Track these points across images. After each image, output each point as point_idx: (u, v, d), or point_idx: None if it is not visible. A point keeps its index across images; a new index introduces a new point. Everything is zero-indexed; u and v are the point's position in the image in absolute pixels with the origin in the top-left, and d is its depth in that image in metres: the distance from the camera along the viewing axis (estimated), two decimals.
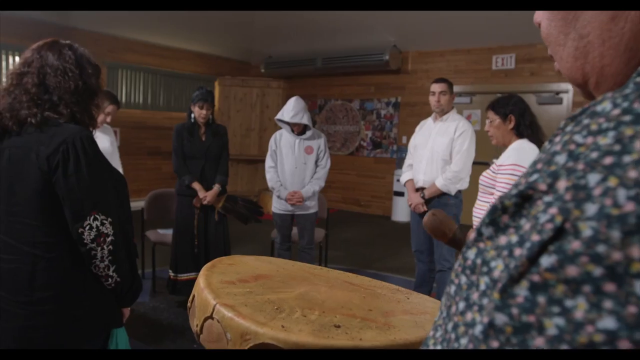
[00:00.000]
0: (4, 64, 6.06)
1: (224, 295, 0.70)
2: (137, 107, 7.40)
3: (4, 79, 6.01)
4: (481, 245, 0.34)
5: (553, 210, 0.29)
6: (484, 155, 5.21)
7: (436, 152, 3.42)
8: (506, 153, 2.50)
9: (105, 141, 3.43)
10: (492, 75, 6.83)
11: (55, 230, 1.44)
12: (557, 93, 6.43)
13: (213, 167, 3.73)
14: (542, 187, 0.31)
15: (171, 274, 3.73)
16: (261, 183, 8.69)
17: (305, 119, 3.80)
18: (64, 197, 1.40)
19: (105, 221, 1.43)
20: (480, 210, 2.57)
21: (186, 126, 3.70)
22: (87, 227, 1.40)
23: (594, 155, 0.29)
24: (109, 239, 1.43)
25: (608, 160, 0.28)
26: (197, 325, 0.68)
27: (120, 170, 3.31)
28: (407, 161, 3.69)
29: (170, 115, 7.84)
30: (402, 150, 7.59)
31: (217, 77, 8.23)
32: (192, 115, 3.68)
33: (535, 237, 0.29)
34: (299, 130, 3.88)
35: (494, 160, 2.59)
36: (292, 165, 3.89)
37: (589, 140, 0.30)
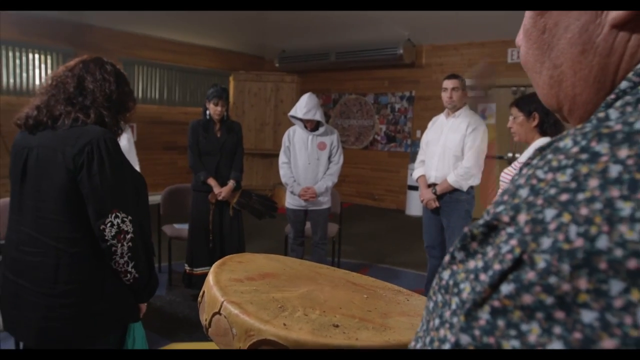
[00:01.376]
0: (23, 61, 6.19)
1: (232, 293, 0.74)
2: (153, 102, 7.50)
3: (37, 79, 6.18)
4: (454, 267, 0.36)
5: (513, 241, 0.31)
6: (499, 149, 5.20)
7: (448, 148, 3.43)
8: (529, 151, 2.51)
9: (123, 139, 3.49)
10: (507, 69, 6.77)
11: (78, 226, 1.51)
12: None
13: (228, 163, 3.79)
14: (505, 218, 0.33)
15: (187, 268, 3.81)
16: (276, 177, 8.75)
17: (318, 116, 3.83)
18: (87, 195, 1.48)
19: (125, 219, 1.50)
20: None
21: (201, 123, 3.76)
22: (109, 224, 1.48)
23: (552, 191, 0.31)
24: (128, 236, 1.50)
25: (564, 197, 0.31)
26: (206, 320, 0.72)
27: (137, 166, 3.38)
28: (419, 157, 3.70)
29: (185, 110, 7.93)
30: (416, 145, 7.57)
31: (232, 72, 8.29)
32: (207, 112, 3.73)
33: (497, 266, 0.32)
34: (312, 126, 3.92)
35: (517, 155, 2.59)
36: (306, 161, 3.93)
37: (549, 176, 0.32)
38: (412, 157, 7.57)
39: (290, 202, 4.03)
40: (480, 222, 0.35)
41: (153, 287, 1.65)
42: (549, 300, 0.29)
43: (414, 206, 7.46)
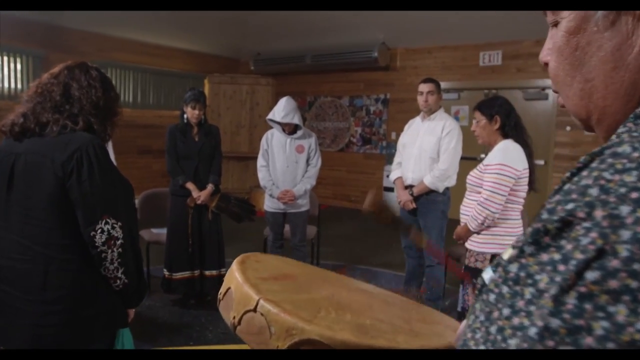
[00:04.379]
0: None
1: (265, 291, 0.72)
2: (127, 105, 7.40)
3: (6, 82, 6.01)
4: (523, 260, 0.40)
5: (593, 234, 0.36)
6: (472, 151, 5.31)
7: (424, 150, 3.50)
8: (492, 153, 2.59)
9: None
10: (479, 72, 6.92)
11: (68, 233, 1.51)
12: (543, 89, 6.55)
13: (206, 167, 3.79)
14: (581, 214, 0.38)
15: (166, 272, 3.78)
16: (252, 180, 8.72)
17: (296, 119, 3.86)
18: (77, 202, 1.48)
19: (115, 225, 1.50)
20: (467, 208, 2.65)
21: (179, 127, 3.74)
22: (99, 231, 1.48)
23: (622, 190, 0.37)
24: (118, 242, 1.51)
25: (634, 195, 0.36)
26: (234, 318, 0.70)
27: None
28: (396, 159, 3.77)
29: (160, 113, 7.85)
30: (392, 146, 7.67)
31: (207, 74, 8.24)
32: (185, 116, 3.72)
33: (579, 256, 0.36)
34: (290, 129, 3.94)
35: (482, 155, 2.67)
36: (284, 164, 3.95)
37: (616, 177, 0.38)
38: (388, 158, 7.66)
39: (269, 205, 4.04)
40: (554, 217, 0.40)
41: (142, 292, 1.66)
42: (634, 284, 0.33)
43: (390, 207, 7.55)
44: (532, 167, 2.60)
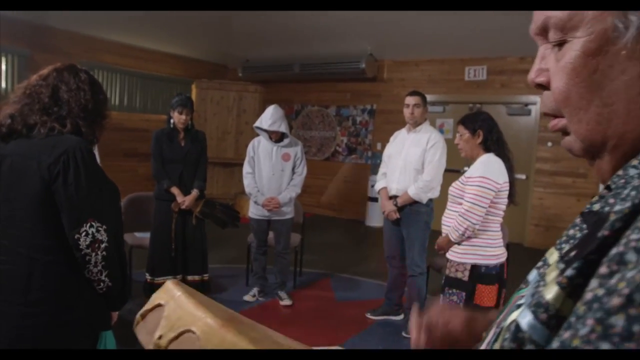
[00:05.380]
0: None
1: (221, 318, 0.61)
2: (113, 108, 7.33)
3: None
4: (633, 311, 0.35)
5: None
6: (455, 164, 5.39)
7: (409, 162, 3.55)
8: (474, 166, 2.65)
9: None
10: (464, 86, 7.04)
11: (52, 235, 1.51)
12: (526, 105, 6.68)
13: (191, 172, 3.79)
14: None
15: (148, 277, 3.77)
16: (237, 186, 8.71)
17: (283, 127, 3.90)
18: (62, 205, 1.49)
19: (100, 228, 1.51)
20: (449, 219, 2.70)
21: (165, 131, 3.75)
22: (84, 234, 1.48)
23: None
24: (103, 245, 1.51)
25: None
26: (160, 338, 0.59)
27: None
28: (381, 170, 3.82)
29: (146, 117, 7.81)
30: (377, 157, 7.73)
31: (194, 79, 8.24)
32: (172, 121, 3.73)
33: None
34: (276, 137, 3.97)
35: (466, 168, 2.72)
36: (270, 172, 3.97)
37: None
38: (373, 168, 7.72)
39: (254, 212, 4.06)
40: None
41: (126, 295, 1.67)
42: None
43: (374, 217, 7.60)
44: (512, 181, 2.66)
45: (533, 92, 6.56)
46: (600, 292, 0.37)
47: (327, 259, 5.56)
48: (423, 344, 0.77)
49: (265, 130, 3.94)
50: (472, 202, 2.54)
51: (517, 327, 0.46)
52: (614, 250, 0.38)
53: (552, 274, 0.47)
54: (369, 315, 3.87)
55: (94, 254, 1.52)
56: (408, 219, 3.56)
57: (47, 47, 6.37)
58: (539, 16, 0.55)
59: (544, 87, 0.57)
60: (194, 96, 7.94)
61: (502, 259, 2.64)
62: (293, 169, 4.04)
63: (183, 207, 3.69)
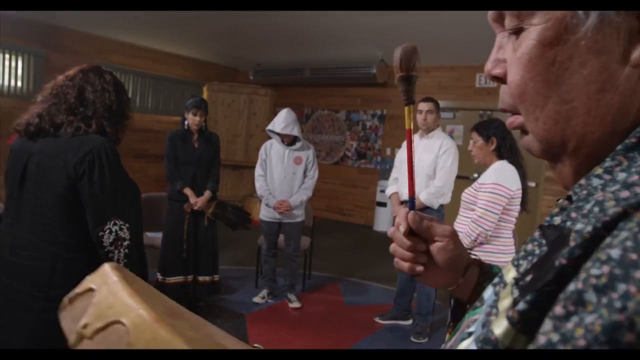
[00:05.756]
0: None
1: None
2: None
3: (6, 79, 6.02)
4: None
5: None
6: (465, 170, 5.40)
7: (421, 167, 3.57)
8: (487, 173, 2.66)
9: None
10: (475, 93, 7.05)
11: (76, 232, 1.55)
12: None
13: (204, 173, 3.83)
14: None
15: (159, 277, 3.80)
16: (246, 189, 8.76)
17: (295, 131, 3.93)
18: (87, 203, 1.53)
19: (123, 226, 1.55)
20: (461, 225, 2.72)
21: (179, 133, 3.79)
22: (107, 231, 1.52)
23: None
24: (125, 243, 1.55)
25: None
26: (85, 326, 0.51)
27: None
28: (392, 175, 3.84)
29: (158, 118, 7.88)
30: (386, 162, 7.75)
31: (206, 82, 8.30)
32: (186, 122, 3.77)
33: None
34: (289, 141, 4.01)
35: (475, 175, 2.74)
36: (281, 175, 4.00)
37: None
38: (382, 173, 7.74)
39: (265, 214, 4.09)
40: None
41: None
42: None
43: (382, 222, 7.61)
44: (525, 188, 2.67)
45: None
46: (555, 337, 0.33)
47: (336, 263, 5.58)
48: (404, 225, 0.71)
49: (278, 134, 3.97)
50: (485, 208, 2.56)
51: None
52: (571, 287, 0.34)
53: (505, 301, 0.43)
54: (377, 320, 3.88)
55: (116, 252, 1.55)
56: None
57: (62, 48, 6.45)
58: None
59: (501, 79, 0.51)
60: (205, 98, 8.00)
61: None
62: (304, 172, 4.07)
63: (196, 208, 3.72)
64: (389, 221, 7.61)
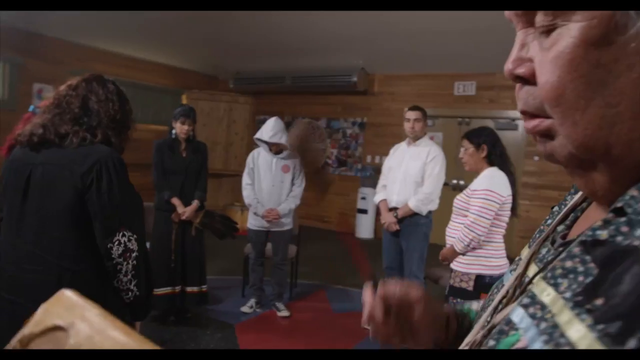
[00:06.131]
0: None
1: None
2: None
3: None
4: None
5: None
6: (447, 177, 5.50)
7: (409, 174, 3.62)
8: (479, 179, 2.72)
9: None
10: (454, 101, 7.18)
11: (82, 244, 1.53)
12: (514, 120, 6.84)
13: (192, 183, 3.80)
14: None
15: None
16: (226, 198, 8.70)
17: (283, 140, 3.94)
18: (95, 214, 1.50)
19: (131, 237, 1.53)
20: (453, 230, 2.77)
21: (167, 142, 3.75)
22: (116, 243, 1.51)
23: None
24: (134, 255, 1.53)
25: None
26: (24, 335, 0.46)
27: None
28: (380, 182, 3.88)
29: (136, 126, 7.75)
30: (367, 169, 7.82)
31: (185, 90, 8.24)
32: (173, 131, 3.74)
33: None
34: (276, 149, 4.01)
35: (455, 181, 2.79)
36: (270, 183, 4.00)
37: None
38: (363, 181, 7.79)
39: (253, 223, 4.07)
40: None
41: (150, 306, 1.68)
42: None
43: (364, 229, 7.66)
44: (514, 194, 2.74)
45: None
46: None
47: (320, 271, 5.59)
48: (379, 312, 0.70)
49: (266, 142, 3.98)
50: (477, 214, 2.61)
51: None
52: None
53: (569, 327, 0.39)
54: (366, 326, 3.90)
55: (125, 263, 1.54)
56: (408, 230, 3.62)
57: (40, 55, 6.33)
58: None
59: (523, 80, 0.49)
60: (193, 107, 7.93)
61: (505, 269, 2.70)
62: (292, 180, 4.08)
63: (183, 217, 3.69)
64: (371, 228, 7.67)
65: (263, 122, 9.02)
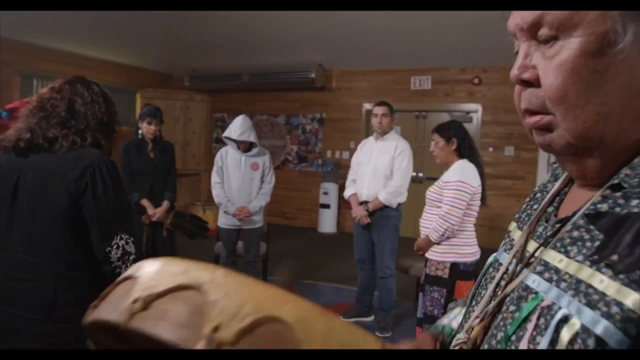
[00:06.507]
0: None
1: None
2: None
3: None
4: None
5: None
6: None
7: (378, 169, 3.71)
8: (450, 171, 2.84)
9: None
10: (411, 95, 7.36)
11: (77, 250, 1.51)
12: (468, 112, 7.10)
13: (161, 183, 3.75)
14: None
15: None
16: (185, 197, 8.56)
17: (252, 137, 3.94)
18: (92, 218, 1.48)
19: (129, 240, 1.53)
20: (427, 221, 2.87)
21: (134, 143, 3.69)
22: (115, 247, 1.49)
23: None
24: (131, 257, 1.53)
25: None
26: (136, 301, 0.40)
27: None
28: (350, 176, 3.96)
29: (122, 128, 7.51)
30: (328, 164, 7.90)
31: (139, 89, 8.04)
32: (140, 132, 3.68)
33: None
34: (244, 147, 4.01)
35: (420, 174, 2.89)
36: (239, 181, 4.00)
37: None
38: (324, 176, 7.87)
39: (224, 221, 4.06)
40: None
41: None
42: None
43: (326, 224, 7.75)
44: (484, 184, 2.88)
45: (474, 100, 7.00)
46: None
47: (288, 267, 5.62)
48: None
49: (234, 140, 3.97)
50: (450, 204, 2.73)
51: (599, 340, 0.45)
52: None
53: (593, 280, 0.48)
54: (342, 319, 3.98)
55: (123, 267, 1.53)
56: (379, 223, 3.72)
57: None
58: (530, 12, 0.55)
59: (527, 83, 0.57)
60: (138, 106, 7.74)
61: (477, 256, 2.85)
62: (262, 177, 4.09)
63: (154, 219, 3.63)
64: (334, 222, 7.76)
65: (221, 119, 9.02)
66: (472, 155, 2.86)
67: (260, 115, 8.59)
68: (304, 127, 8.28)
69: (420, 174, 6.83)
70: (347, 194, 3.94)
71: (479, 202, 2.86)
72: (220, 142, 8.93)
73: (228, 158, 4.03)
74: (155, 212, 3.63)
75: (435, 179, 3.06)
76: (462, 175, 2.76)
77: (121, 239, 1.52)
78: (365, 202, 3.75)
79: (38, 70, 6.79)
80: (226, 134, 3.97)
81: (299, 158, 8.33)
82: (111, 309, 0.42)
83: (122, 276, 0.45)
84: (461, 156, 2.85)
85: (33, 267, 1.49)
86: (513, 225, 0.73)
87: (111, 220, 1.51)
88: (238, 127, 3.92)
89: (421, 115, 7.36)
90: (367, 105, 7.50)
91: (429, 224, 2.84)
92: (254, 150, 4.04)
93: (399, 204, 3.72)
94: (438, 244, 2.81)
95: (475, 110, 6.98)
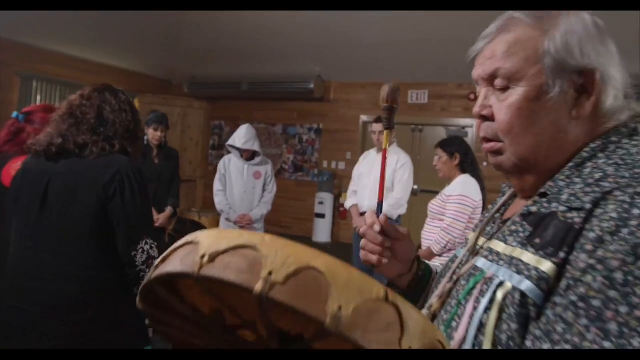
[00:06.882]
0: None
1: None
2: None
3: None
4: (626, 268, 0.53)
5: None
6: None
7: (380, 181, 3.77)
8: (453, 186, 2.92)
9: None
10: (407, 109, 7.46)
11: (103, 253, 1.55)
12: (463, 127, 7.21)
13: (165, 189, 3.79)
14: None
15: None
16: (181, 203, 8.55)
17: (256, 146, 4.01)
18: (119, 223, 1.53)
19: (153, 245, 1.58)
20: (429, 233, 2.95)
21: None
22: (140, 251, 1.54)
23: None
24: (155, 262, 1.57)
25: None
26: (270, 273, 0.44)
27: None
28: (351, 188, 4.03)
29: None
30: (324, 174, 7.96)
31: (138, 94, 8.06)
32: (145, 138, 3.72)
33: None
34: (248, 156, 4.07)
35: (415, 187, 2.97)
36: (242, 190, 4.05)
37: None
38: (319, 186, 7.93)
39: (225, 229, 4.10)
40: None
41: None
42: None
43: (321, 233, 7.80)
44: (485, 199, 2.96)
45: (470, 115, 7.11)
46: (592, 261, 0.55)
47: None
48: (377, 225, 0.94)
49: (238, 149, 4.02)
50: (453, 218, 2.80)
51: (523, 294, 0.60)
52: (591, 235, 0.57)
53: (525, 257, 0.63)
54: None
55: (147, 271, 1.57)
56: None
57: None
58: (489, 66, 0.73)
59: (485, 118, 0.75)
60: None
61: None
62: (264, 186, 4.15)
63: (157, 225, 3.66)
64: (328, 232, 7.82)
65: (218, 127, 9.07)
66: (474, 171, 2.94)
67: (258, 124, 8.64)
68: (300, 137, 8.34)
69: (416, 187, 6.91)
70: (348, 204, 4.00)
71: (480, 216, 2.93)
72: (217, 150, 8.97)
73: (231, 166, 4.09)
74: (158, 218, 3.66)
75: (430, 191, 3.16)
76: (464, 190, 2.84)
77: (146, 243, 1.57)
78: (364, 213, 3.82)
79: (38, 72, 6.81)
80: (230, 142, 4.03)
81: (295, 167, 8.38)
82: (179, 264, 0.49)
83: (182, 241, 0.52)
84: (463, 171, 2.94)
85: (60, 268, 1.54)
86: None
87: (138, 226, 1.56)
88: (243, 136, 3.98)
89: (417, 129, 7.47)
90: (364, 117, 7.60)
91: (431, 236, 2.91)
92: (257, 159, 4.10)
93: (399, 216, 3.79)
94: (440, 255, 2.88)
95: (470, 125, 7.09)
